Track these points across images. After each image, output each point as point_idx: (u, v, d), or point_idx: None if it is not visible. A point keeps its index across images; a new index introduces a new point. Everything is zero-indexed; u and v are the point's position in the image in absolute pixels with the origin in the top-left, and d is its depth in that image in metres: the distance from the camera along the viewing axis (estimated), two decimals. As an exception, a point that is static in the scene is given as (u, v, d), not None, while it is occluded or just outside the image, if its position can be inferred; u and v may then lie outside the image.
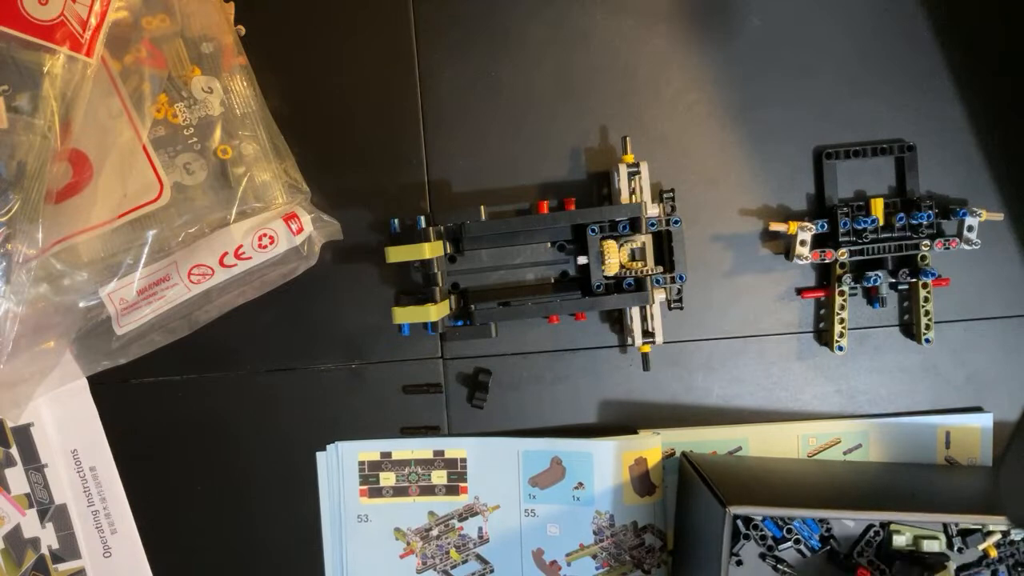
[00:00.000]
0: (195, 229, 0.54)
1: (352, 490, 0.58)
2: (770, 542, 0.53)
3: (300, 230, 0.55)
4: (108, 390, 0.59)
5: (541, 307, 0.55)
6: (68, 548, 0.59)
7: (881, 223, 0.56)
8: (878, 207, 0.56)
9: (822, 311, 0.59)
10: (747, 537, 0.53)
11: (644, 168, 0.54)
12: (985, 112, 0.57)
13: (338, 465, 0.58)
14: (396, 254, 0.53)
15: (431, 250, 0.53)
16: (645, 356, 0.57)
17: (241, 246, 0.54)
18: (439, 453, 0.58)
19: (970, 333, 0.58)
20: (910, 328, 0.58)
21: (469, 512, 0.58)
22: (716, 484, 0.50)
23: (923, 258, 0.56)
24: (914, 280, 0.56)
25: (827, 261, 0.56)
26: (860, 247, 0.56)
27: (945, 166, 0.58)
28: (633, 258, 0.56)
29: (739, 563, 0.54)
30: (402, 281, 0.59)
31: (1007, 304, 0.58)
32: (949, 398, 0.59)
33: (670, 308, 0.56)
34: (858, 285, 0.56)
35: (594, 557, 0.58)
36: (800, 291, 0.58)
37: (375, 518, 0.58)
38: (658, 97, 0.58)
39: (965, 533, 0.54)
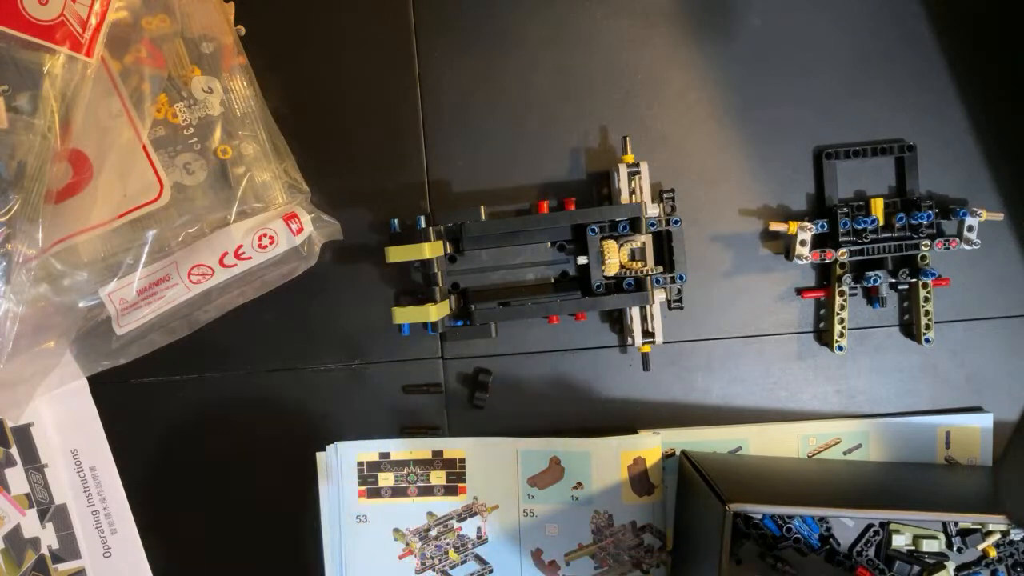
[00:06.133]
0: (195, 229, 0.54)
1: (351, 491, 0.58)
2: (770, 541, 0.53)
3: (300, 230, 0.55)
4: (108, 390, 0.59)
5: (541, 307, 0.55)
6: (68, 548, 0.59)
7: (881, 223, 0.56)
8: (878, 207, 0.56)
9: (822, 311, 0.59)
10: (747, 536, 0.53)
11: (644, 168, 0.54)
12: (985, 112, 0.57)
13: (337, 465, 0.58)
14: (396, 254, 0.53)
15: (431, 250, 0.53)
16: (645, 356, 0.57)
17: (241, 246, 0.54)
18: (438, 453, 0.58)
19: (970, 333, 0.58)
20: (910, 328, 0.58)
21: (468, 512, 0.58)
22: (716, 482, 0.50)
23: (923, 258, 0.56)
24: (914, 280, 0.56)
25: (827, 261, 0.56)
26: (860, 247, 0.56)
27: (945, 166, 0.58)
28: (633, 258, 0.56)
29: (738, 562, 0.54)
30: (402, 281, 0.59)
31: (1007, 304, 0.58)
32: (949, 398, 0.59)
33: (670, 308, 0.56)
34: (858, 285, 0.56)
35: (593, 557, 0.58)
36: (800, 291, 0.58)
37: (374, 519, 0.58)
38: (658, 97, 0.58)
39: (964, 533, 0.54)
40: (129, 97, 0.52)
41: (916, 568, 0.53)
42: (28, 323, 0.51)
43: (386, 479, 0.58)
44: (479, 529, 0.58)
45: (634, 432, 0.58)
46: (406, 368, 0.59)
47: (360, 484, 0.58)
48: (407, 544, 0.58)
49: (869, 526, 0.54)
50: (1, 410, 0.56)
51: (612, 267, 0.54)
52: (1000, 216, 0.56)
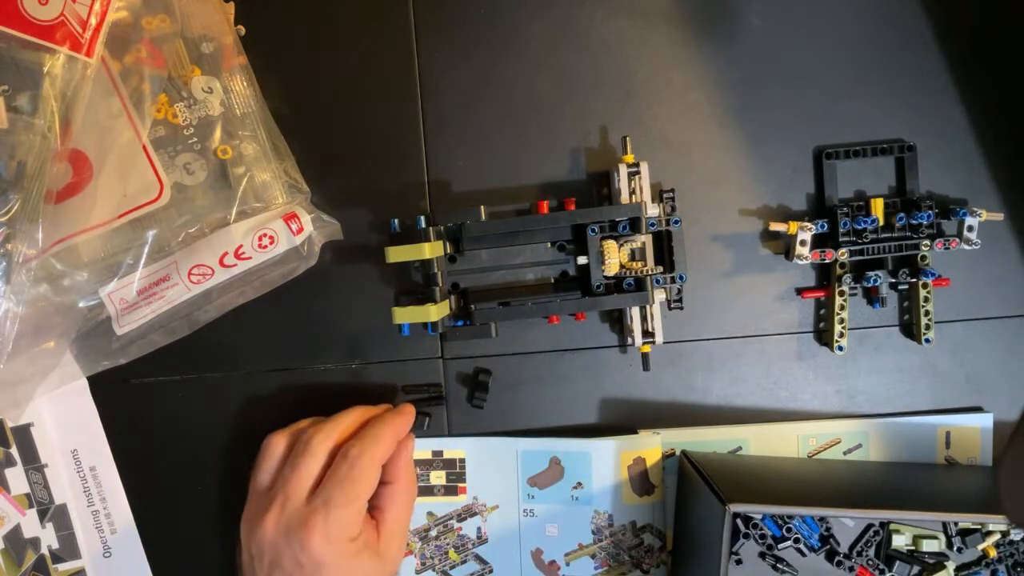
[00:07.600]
0: (195, 229, 0.54)
1: (352, 490, 0.58)
2: (770, 541, 0.53)
3: (300, 230, 0.55)
4: (108, 390, 0.59)
5: (541, 307, 0.55)
6: (68, 548, 0.59)
7: (881, 223, 0.56)
8: (878, 207, 0.56)
9: (822, 311, 0.59)
10: (747, 536, 0.54)
11: (644, 168, 0.54)
12: (985, 112, 0.57)
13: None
14: (396, 254, 0.53)
15: (431, 250, 0.53)
16: (645, 356, 0.57)
17: (241, 246, 0.54)
18: (438, 453, 0.58)
19: (970, 333, 0.58)
20: (910, 328, 0.58)
21: (468, 512, 0.58)
22: (716, 482, 0.50)
23: (923, 258, 0.56)
24: (914, 280, 0.56)
25: (827, 261, 0.56)
26: (860, 247, 0.56)
27: (945, 166, 0.58)
28: (633, 258, 0.56)
29: (738, 562, 0.54)
30: (402, 281, 0.59)
31: (1007, 304, 0.58)
32: (949, 398, 0.59)
33: (670, 308, 0.56)
34: (858, 285, 0.56)
35: (593, 557, 0.58)
36: (800, 291, 0.58)
37: (375, 518, 0.58)
38: (658, 97, 0.58)
39: (964, 533, 0.54)
40: (129, 97, 0.52)
41: (916, 568, 0.53)
42: (28, 323, 0.51)
43: (386, 479, 0.58)
44: (479, 529, 0.58)
45: (634, 432, 0.58)
46: (406, 368, 0.59)
47: (360, 484, 0.58)
48: (407, 544, 0.58)
49: (869, 526, 0.54)
50: (1, 410, 0.56)
51: (612, 267, 0.54)
52: (1000, 216, 0.56)
